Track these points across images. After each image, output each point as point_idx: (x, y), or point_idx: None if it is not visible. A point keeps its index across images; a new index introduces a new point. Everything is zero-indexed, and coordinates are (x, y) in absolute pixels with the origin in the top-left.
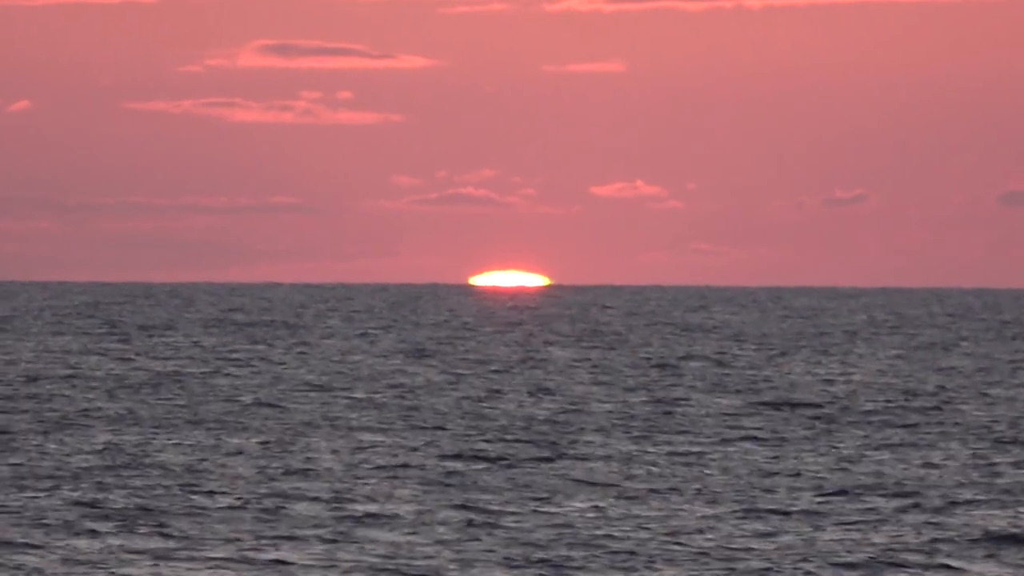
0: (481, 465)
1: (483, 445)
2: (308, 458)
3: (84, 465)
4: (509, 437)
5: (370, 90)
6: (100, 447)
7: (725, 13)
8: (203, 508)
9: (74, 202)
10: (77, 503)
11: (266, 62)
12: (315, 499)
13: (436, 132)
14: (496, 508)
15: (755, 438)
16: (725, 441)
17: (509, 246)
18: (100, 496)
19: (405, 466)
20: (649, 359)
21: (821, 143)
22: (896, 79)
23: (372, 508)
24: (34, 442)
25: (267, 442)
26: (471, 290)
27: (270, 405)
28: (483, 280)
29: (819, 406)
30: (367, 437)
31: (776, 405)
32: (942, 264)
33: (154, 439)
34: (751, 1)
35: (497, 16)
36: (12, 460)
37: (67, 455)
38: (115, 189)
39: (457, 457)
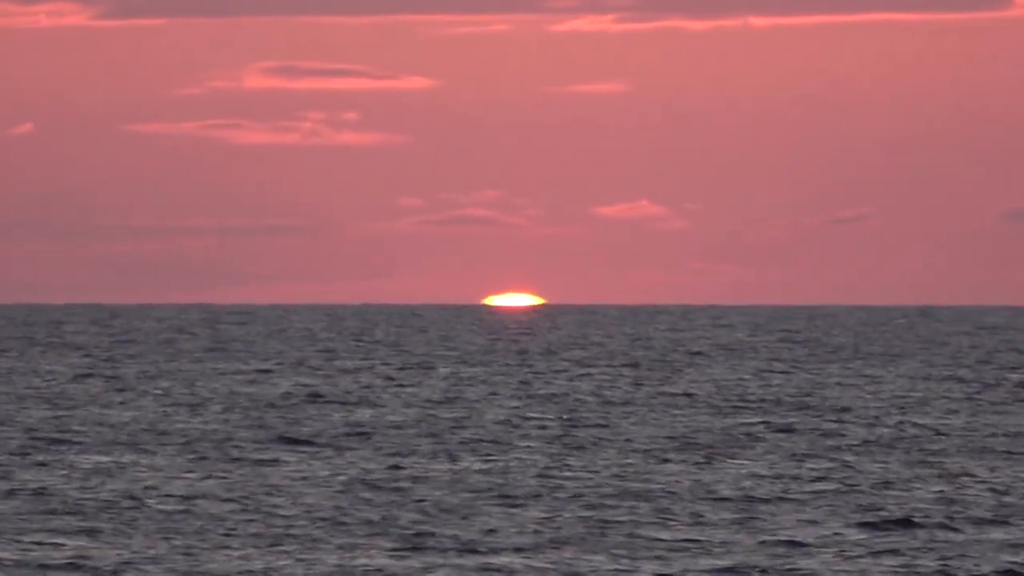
0: None
1: None
2: None
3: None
4: None
5: (374, 111)
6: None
7: (730, 31)
8: None
9: (77, 225)
10: None
11: (269, 83)
12: None
13: (440, 153)
14: None
15: None
16: None
17: (513, 267)
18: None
19: None
20: None
21: (824, 162)
22: (900, 97)
23: None
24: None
25: None
26: (490, 310)
27: None
28: (497, 301)
29: None
30: None
31: None
32: (945, 282)
33: None
34: (757, 20)
35: (501, 36)
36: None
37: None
38: (118, 211)
39: None
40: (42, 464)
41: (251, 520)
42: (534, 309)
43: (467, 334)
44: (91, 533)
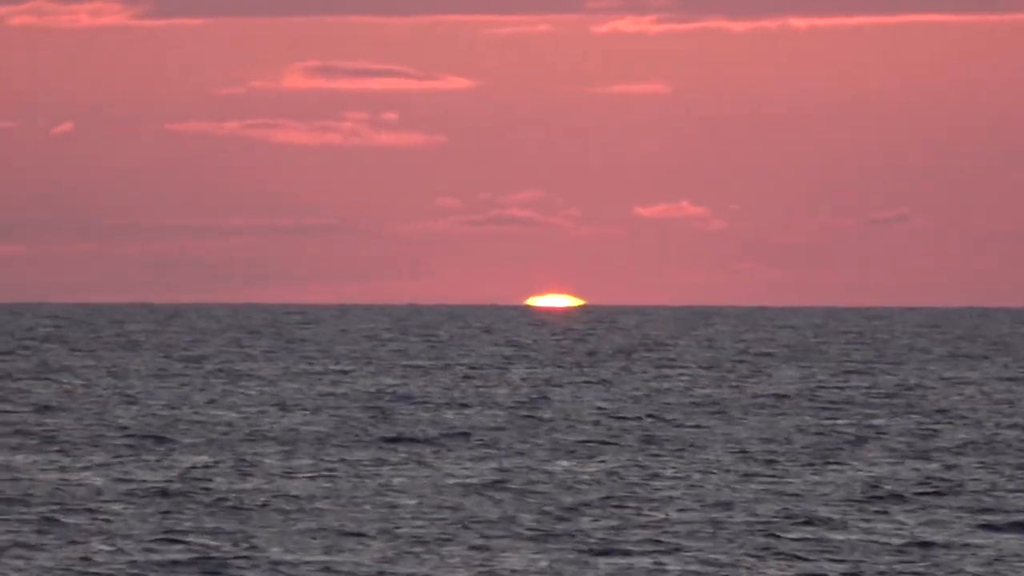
0: None
1: None
2: None
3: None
4: None
5: (414, 111)
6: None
7: (770, 32)
8: None
9: (117, 224)
10: None
11: (310, 83)
12: None
13: (480, 153)
14: None
15: None
16: None
17: (553, 267)
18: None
19: None
20: None
21: (863, 162)
22: (939, 98)
23: None
24: None
25: None
26: (533, 311)
27: None
28: (539, 301)
29: None
30: None
31: None
32: (984, 283)
33: None
34: (797, 21)
35: (542, 37)
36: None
37: None
38: (158, 210)
39: None
40: (149, 463)
41: (372, 520)
42: (578, 309)
43: (530, 334)
44: (214, 533)
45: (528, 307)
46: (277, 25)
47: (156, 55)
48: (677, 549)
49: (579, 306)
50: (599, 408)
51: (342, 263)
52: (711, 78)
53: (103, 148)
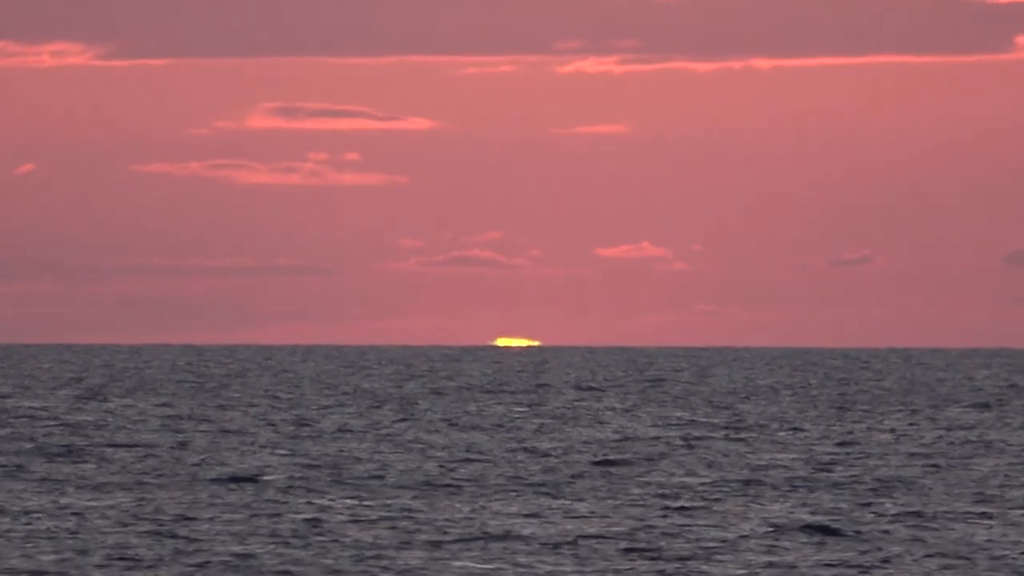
0: None
1: None
2: None
3: None
4: None
5: (376, 152)
6: None
7: (734, 73)
8: None
9: (79, 264)
10: None
11: (273, 124)
12: None
13: (442, 194)
14: None
15: None
16: None
17: (515, 308)
18: None
19: None
20: None
21: (827, 204)
22: (902, 140)
23: None
24: None
25: None
26: (500, 352)
27: None
28: (504, 342)
29: None
30: None
31: None
32: (947, 324)
33: None
34: (760, 61)
35: (506, 78)
36: None
37: None
38: (120, 251)
39: None
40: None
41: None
42: (535, 350)
43: (620, 375)
44: None
45: (497, 348)
46: (240, 66)
47: (119, 96)
48: None
49: (535, 347)
50: (807, 448)
51: (304, 303)
52: (674, 119)
53: (66, 189)
